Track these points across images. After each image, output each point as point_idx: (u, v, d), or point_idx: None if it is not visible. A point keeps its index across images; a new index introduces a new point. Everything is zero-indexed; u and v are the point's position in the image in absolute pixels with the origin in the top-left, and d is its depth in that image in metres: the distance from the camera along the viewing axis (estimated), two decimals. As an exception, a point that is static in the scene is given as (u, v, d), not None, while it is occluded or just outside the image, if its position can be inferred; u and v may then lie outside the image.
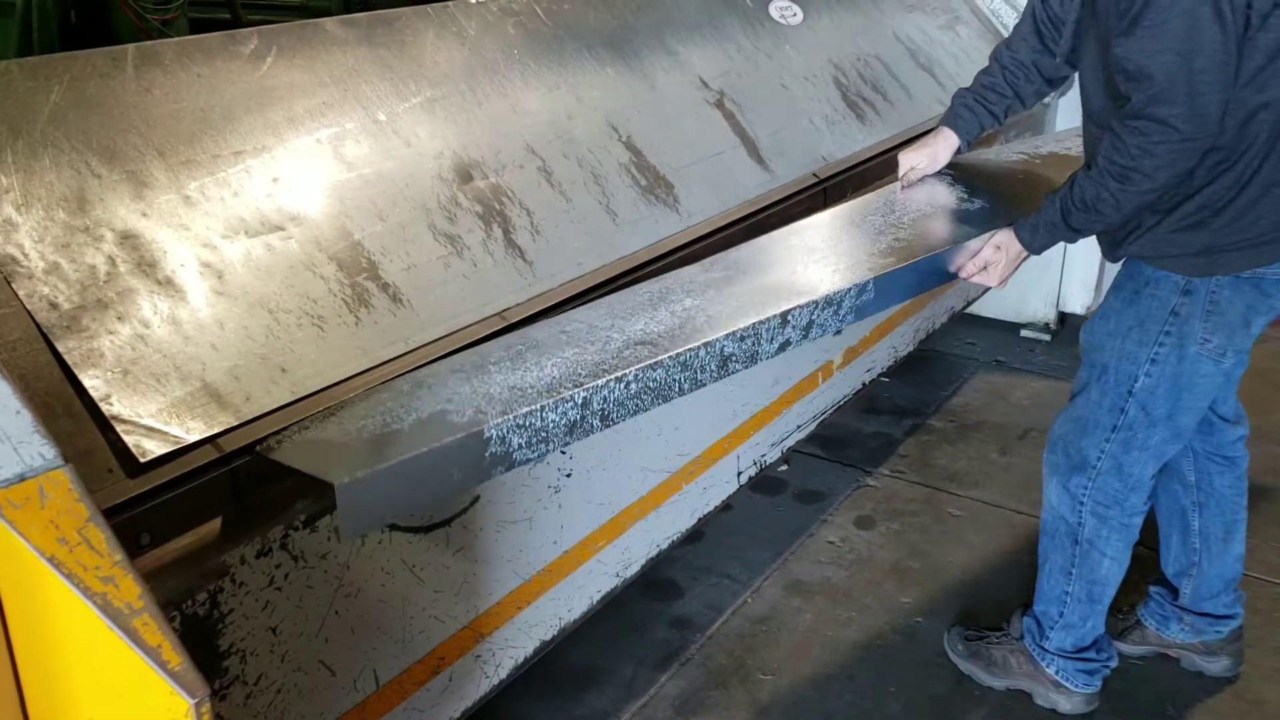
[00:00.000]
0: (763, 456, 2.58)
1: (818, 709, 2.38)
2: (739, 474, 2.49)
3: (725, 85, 2.59)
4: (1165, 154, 1.81)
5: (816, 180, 2.61)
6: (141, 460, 1.33)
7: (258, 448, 1.41)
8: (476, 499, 1.79)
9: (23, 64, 1.55)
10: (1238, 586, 2.44)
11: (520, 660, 1.95)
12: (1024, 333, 4.26)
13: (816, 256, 1.99)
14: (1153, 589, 2.51)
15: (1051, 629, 2.36)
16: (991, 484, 3.25)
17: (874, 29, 3.20)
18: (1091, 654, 2.34)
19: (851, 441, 3.50)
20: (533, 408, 1.45)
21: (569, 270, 1.97)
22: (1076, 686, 2.34)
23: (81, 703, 0.97)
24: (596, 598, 2.11)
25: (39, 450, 0.97)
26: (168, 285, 1.49)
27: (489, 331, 1.78)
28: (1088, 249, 3.82)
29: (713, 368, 1.65)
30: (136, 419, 1.36)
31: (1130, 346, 2.09)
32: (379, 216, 1.78)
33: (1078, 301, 4.14)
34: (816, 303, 1.76)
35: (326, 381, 1.56)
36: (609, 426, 1.56)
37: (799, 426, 2.71)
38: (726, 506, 2.50)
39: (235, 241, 1.59)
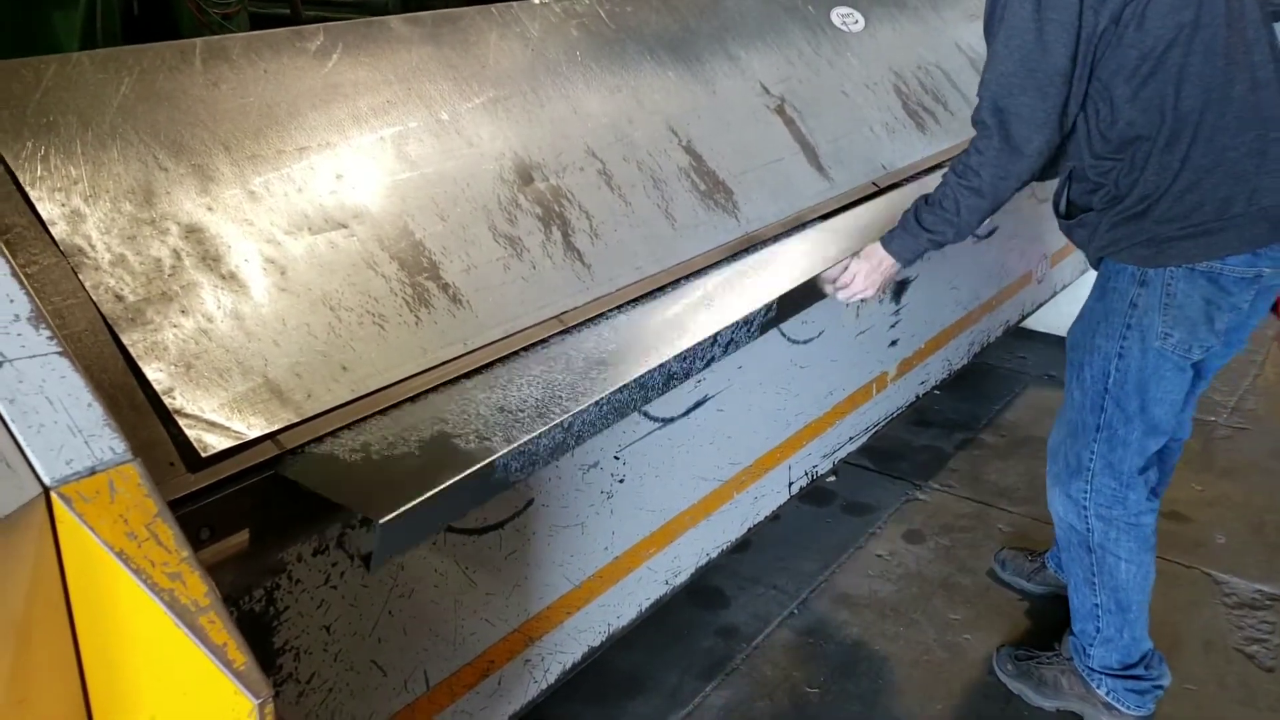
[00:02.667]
0: (814, 467, 2.55)
1: (865, 725, 2.35)
2: (790, 484, 2.46)
3: (786, 91, 2.56)
4: (987, 150, 1.97)
5: (876, 189, 2.58)
6: (203, 455, 1.33)
7: (276, 469, 1.39)
8: (530, 502, 1.78)
9: (93, 56, 1.56)
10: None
11: (568, 665, 1.93)
12: (1078, 348, 4.19)
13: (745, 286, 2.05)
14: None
15: (1092, 645, 2.33)
16: (1042, 501, 3.16)
17: (935, 37, 3.16)
18: (1140, 671, 2.31)
19: (901, 454, 3.45)
20: (532, 435, 1.47)
21: (627, 274, 1.96)
22: (1128, 708, 2.30)
23: (144, 698, 0.96)
24: (646, 605, 2.09)
25: (109, 444, 0.96)
26: (231, 280, 1.49)
27: (547, 334, 1.77)
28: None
29: (659, 385, 1.72)
30: (199, 413, 1.35)
31: (1100, 342, 2.12)
32: (440, 216, 1.77)
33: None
34: (736, 323, 1.85)
35: (386, 380, 1.55)
36: (579, 444, 1.60)
37: (851, 438, 2.67)
38: (775, 517, 2.47)
39: (298, 238, 1.59)
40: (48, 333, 0.98)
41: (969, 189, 2.02)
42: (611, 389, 1.61)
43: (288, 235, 1.59)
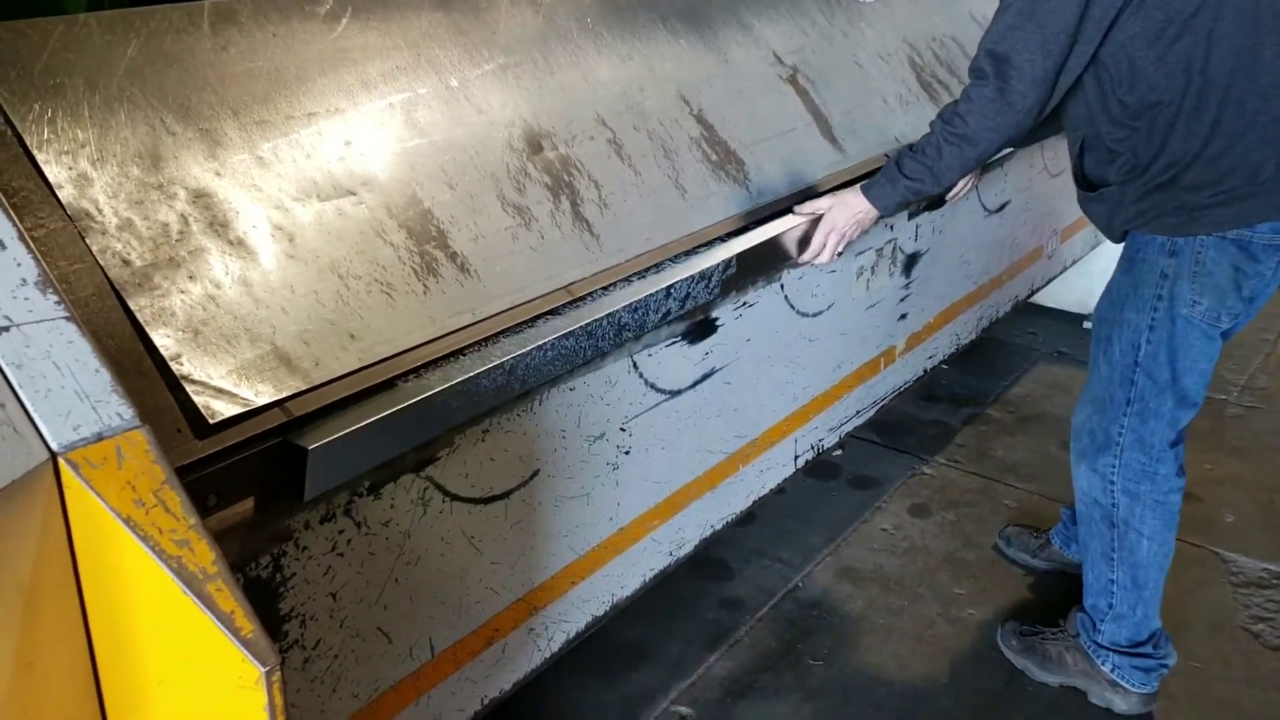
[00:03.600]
0: (820, 441, 2.54)
1: (867, 697, 2.36)
2: (796, 457, 2.46)
3: (799, 61, 2.54)
4: (978, 99, 1.98)
5: (889, 161, 2.55)
6: (210, 422, 1.32)
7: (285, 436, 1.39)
8: (536, 473, 1.77)
9: (100, 18, 1.54)
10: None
11: (572, 634, 1.94)
12: (1087, 324, 4.16)
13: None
14: (1063, 510, 2.72)
15: (1102, 621, 2.33)
16: (1050, 478, 3.19)
17: (950, 8, 3.13)
18: (1148, 649, 2.31)
19: (908, 428, 3.45)
20: (469, 374, 1.52)
21: (636, 245, 1.95)
22: (1133, 685, 2.30)
23: (151, 664, 0.97)
24: (649, 575, 2.09)
25: (117, 410, 0.96)
26: (239, 246, 1.48)
27: (555, 305, 1.76)
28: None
29: (610, 335, 1.76)
30: (206, 380, 1.35)
31: (1129, 315, 2.11)
32: (448, 184, 1.76)
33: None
34: (692, 277, 1.87)
35: (394, 349, 1.55)
36: (525, 390, 1.65)
37: (858, 412, 2.67)
38: (780, 490, 2.47)
39: (307, 204, 1.58)
40: (54, 297, 0.97)
41: (954, 136, 2.02)
42: (557, 334, 1.65)
43: (296, 202, 1.58)
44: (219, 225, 1.48)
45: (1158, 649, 2.32)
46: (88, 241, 1.37)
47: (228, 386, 1.37)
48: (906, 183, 2.10)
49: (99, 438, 0.94)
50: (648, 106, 2.15)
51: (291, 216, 1.56)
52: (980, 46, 2.02)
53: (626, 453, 1.95)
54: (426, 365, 1.56)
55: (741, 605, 2.64)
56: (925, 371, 2.95)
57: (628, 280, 1.87)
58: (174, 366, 1.34)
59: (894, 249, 2.60)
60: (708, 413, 2.12)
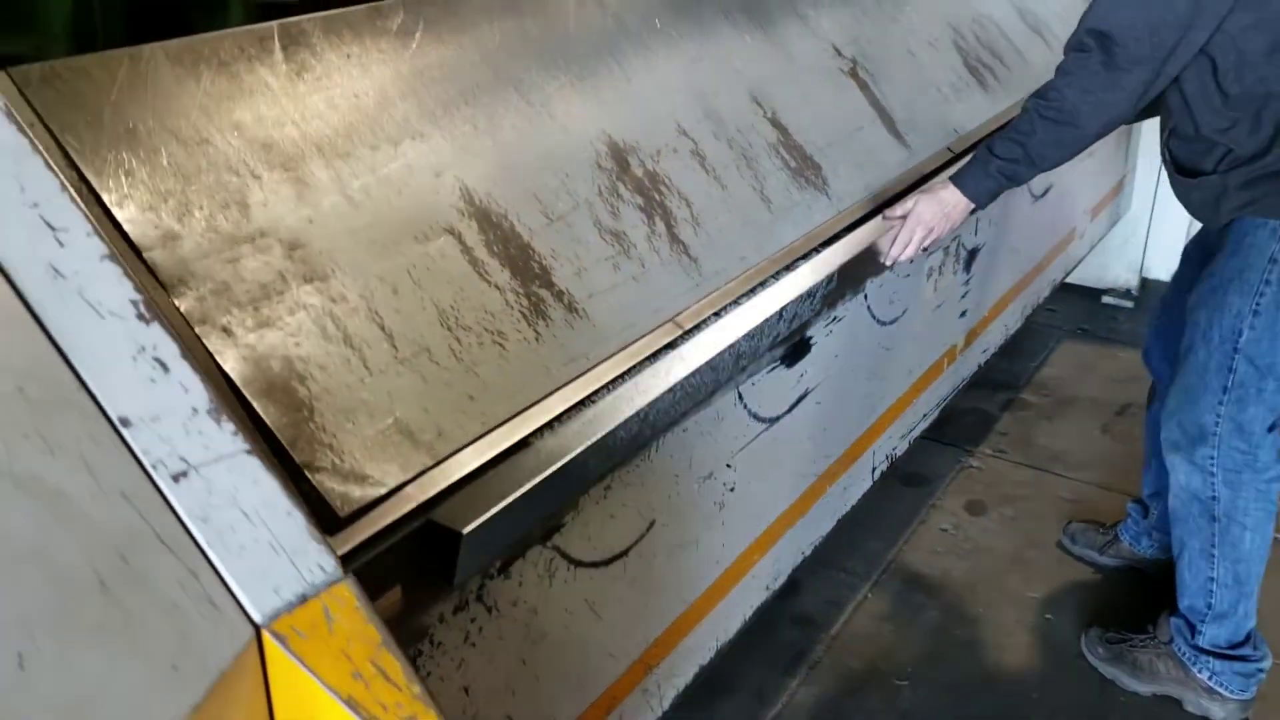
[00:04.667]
0: (894, 449, 2.43)
1: (960, 718, 2.26)
2: (874, 470, 2.35)
3: (857, 53, 2.39)
4: (1079, 72, 1.88)
5: (952, 154, 2.44)
6: (342, 514, 1.17)
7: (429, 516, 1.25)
8: (652, 524, 1.64)
9: (167, 49, 1.35)
10: None
11: (682, 688, 1.81)
12: (1105, 299, 4.11)
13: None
14: (1130, 505, 2.65)
15: (1202, 623, 2.24)
16: (1099, 465, 3.12)
17: (986, -15, 3.00)
18: (1247, 650, 2.23)
19: (947, 418, 3.34)
20: (606, 430, 1.40)
21: (733, 266, 1.80)
22: (1231, 692, 2.23)
23: None
24: (750, 613, 1.97)
25: (318, 560, 0.80)
26: (342, 303, 1.32)
27: (666, 341, 1.62)
28: (1177, 212, 3.67)
29: (729, 367, 1.65)
30: (331, 465, 1.19)
31: (1232, 299, 2.01)
32: (544, 214, 1.60)
33: (1164, 267, 3.99)
34: (800, 297, 1.78)
35: (515, 408, 1.40)
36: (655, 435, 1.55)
37: (925, 415, 2.56)
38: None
39: (405, 248, 1.42)
40: (230, 426, 0.81)
41: (1052, 111, 1.91)
42: (684, 374, 1.52)
43: (394, 245, 1.41)
44: (318, 280, 1.32)
45: (1256, 650, 2.24)
46: (183, 312, 1.20)
47: (354, 469, 1.21)
48: (999, 164, 1.96)
49: (303, 599, 0.79)
50: (723, 111, 2.00)
51: (392, 263, 1.39)
52: (1080, 25, 1.92)
53: (732, 489, 1.82)
54: (552, 422, 1.41)
55: (813, 622, 2.53)
56: (980, 366, 2.85)
57: (735, 303, 1.73)
58: (294, 454, 1.18)
59: (958, 246, 2.48)
60: (801, 436, 2.00)
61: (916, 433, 2.53)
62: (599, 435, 1.39)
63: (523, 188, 1.61)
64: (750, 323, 1.66)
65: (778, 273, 1.85)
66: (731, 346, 1.62)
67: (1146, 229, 3.91)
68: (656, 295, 1.67)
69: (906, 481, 3.05)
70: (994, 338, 2.88)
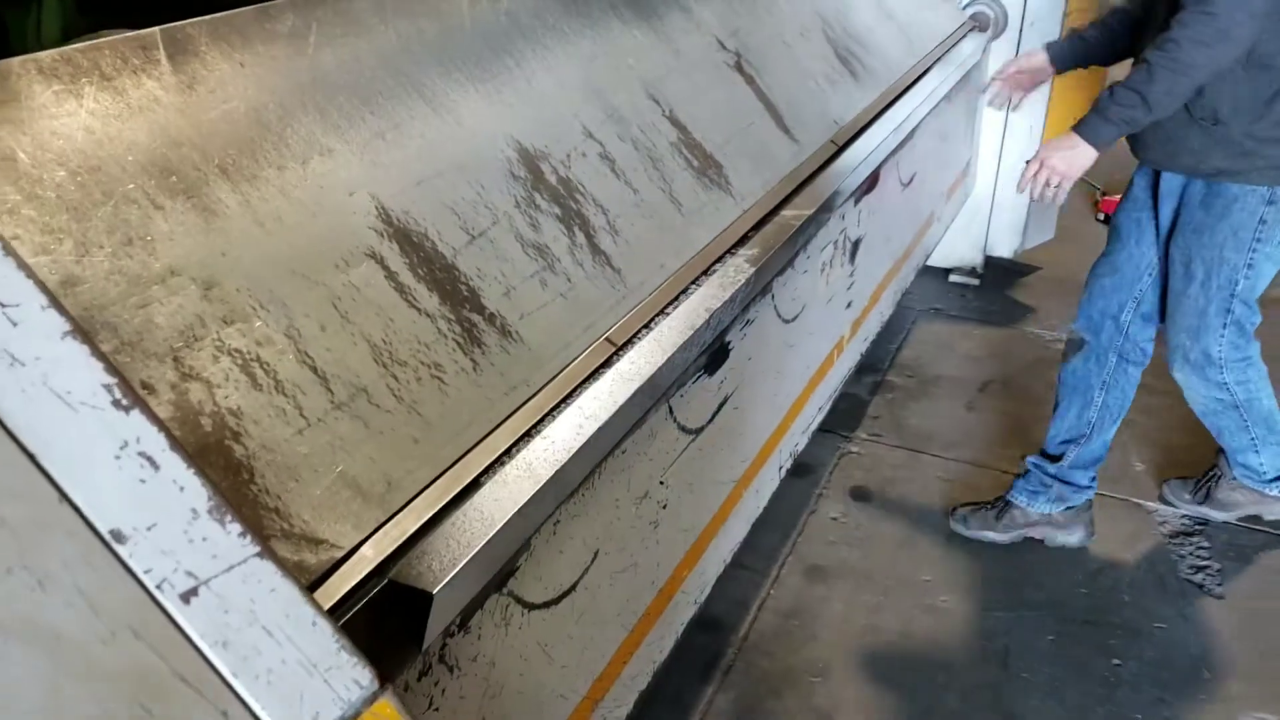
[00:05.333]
0: (796, 445, 2.42)
1: (878, 710, 2.28)
2: (780, 468, 2.33)
3: (739, 45, 2.35)
4: (1193, 24, 2.04)
5: (836, 147, 2.43)
6: (299, 586, 1.04)
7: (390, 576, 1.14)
8: (595, 554, 1.55)
9: (39, 61, 1.17)
10: (1100, 468, 2.74)
11: (624, 718, 1.74)
12: (953, 278, 4.24)
13: None
14: (1030, 460, 2.75)
15: (1261, 466, 2.71)
16: (970, 443, 3.21)
17: (845, -27, 3.01)
18: None
19: (823, 406, 3.38)
20: (559, 466, 1.30)
21: (654, 275, 1.73)
22: None
23: None
24: (680, 631, 1.91)
25: (353, 675, 0.69)
26: (268, 345, 1.18)
27: (601, 360, 1.53)
28: (1013, 194, 3.82)
29: (668, 383, 1.61)
30: (281, 532, 1.06)
31: (1229, 254, 2.34)
32: (465, 230, 1.49)
33: (1005, 245, 4.14)
34: (726, 304, 1.73)
35: (462, 447, 1.29)
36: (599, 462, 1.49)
37: (820, 408, 2.56)
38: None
39: (327, 277, 1.28)
40: (238, 527, 0.69)
41: (1171, 62, 2.07)
42: (626, 396, 1.44)
43: (315, 276, 1.28)
44: (240, 322, 1.17)
45: None
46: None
47: (305, 533, 1.08)
48: (1119, 111, 2.17)
49: (344, 720, 0.67)
50: (624, 111, 1.92)
51: (315, 295, 1.26)
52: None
53: (664, 506, 1.75)
54: (502, 457, 1.31)
55: (721, 625, 2.50)
56: (861, 355, 2.87)
57: (663, 314, 1.66)
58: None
59: (844, 237, 2.48)
60: (721, 444, 1.95)
61: (814, 426, 2.53)
62: (552, 471, 1.30)
63: (439, 202, 1.49)
64: (682, 335, 1.60)
65: (697, 279, 1.79)
66: (669, 361, 1.55)
67: (989, 208, 4.04)
68: (586, 311, 1.58)
69: (793, 472, 3.04)
70: (873, 326, 2.91)
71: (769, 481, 2.26)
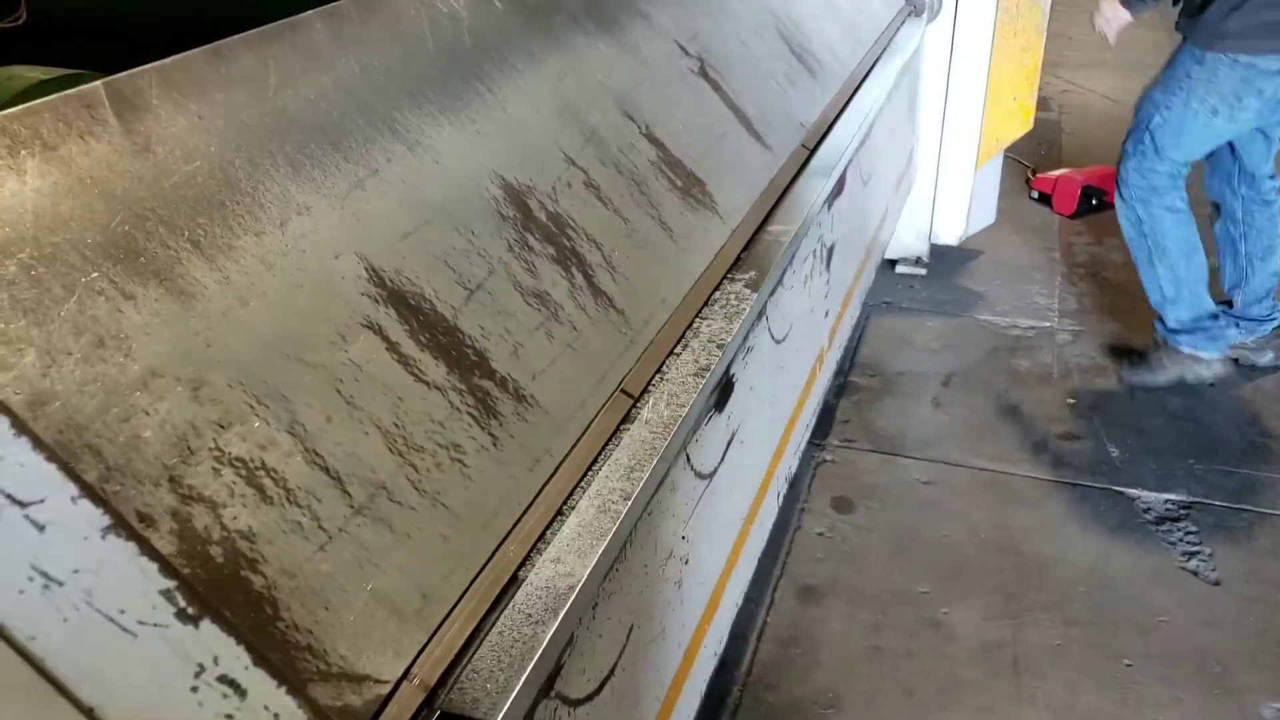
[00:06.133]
0: (790, 469, 2.30)
1: (898, 740, 2.18)
2: (778, 495, 2.21)
3: (700, 50, 2.22)
4: None
5: (807, 151, 2.32)
6: (346, 736, 0.88)
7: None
8: (631, 629, 1.41)
9: (-30, 131, 0.99)
10: (1275, 295, 3.30)
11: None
12: (900, 269, 4.18)
13: None
14: (1216, 308, 3.27)
15: (1164, 310, 3.22)
16: (942, 441, 3.14)
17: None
18: (1206, 323, 3.17)
19: (790, 414, 3.27)
20: (600, 550, 1.17)
21: (658, 312, 1.60)
22: (1207, 353, 3.19)
23: None
24: (704, 687, 1.78)
25: None
26: (273, 448, 1.01)
27: (620, 418, 1.39)
28: (957, 180, 3.77)
29: (690, 433, 1.56)
30: (318, 673, 0.90)
31: (1156, 93, 3.01)
32: (462, 284, 1.33)
33: (950, 233, 4.09)
34: (735, 338, 1.65)
35: (494, 538, 1.14)
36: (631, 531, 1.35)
37: (807, 425, 2.45)
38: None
39: (325, 357, 1.12)
40: None
41: None
42: (655, 458, 1.32)
43: (311, 357, 1.11)
44: (238, 424, 1.00)
45: (1217, 320, 3.19)
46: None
47: (344, 669, 0.93)
48: None
49: None
50: (602, 131, 1.77)
51: (314, 380, 1.10)
52: None
53: (686, 562, 1.62)
54: (537, 545, 1.16)
55: (724, 662, 2.37)
56: (838, 364, 2.77)
57: (673, 354, 1.53)
58: (268, 669, 0.88)
59: (820, 245, 2.37)
60: (731, 483, 1.82)
61: (803, 445, 2.42)
62: (595, 558, 1.16)
63: (430, 255, 1.33)
64: (699, 380, 1.47)
65: (700, 310, 1.66)
66: (688, 412, 1.42)
67: (933, 195, 3.98)
68: (596, 361, 1.44)
69: (769, 487, 2.94)
70: (846, 331, 2.82)
71: (770, 512, 2.15)
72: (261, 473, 0.99)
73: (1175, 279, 3.12)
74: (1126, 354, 3.43)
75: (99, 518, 0.50)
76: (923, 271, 4.13)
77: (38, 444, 0.49)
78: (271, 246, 1.16)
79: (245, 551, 0.92)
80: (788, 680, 2.32)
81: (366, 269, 1.23)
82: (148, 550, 0.51)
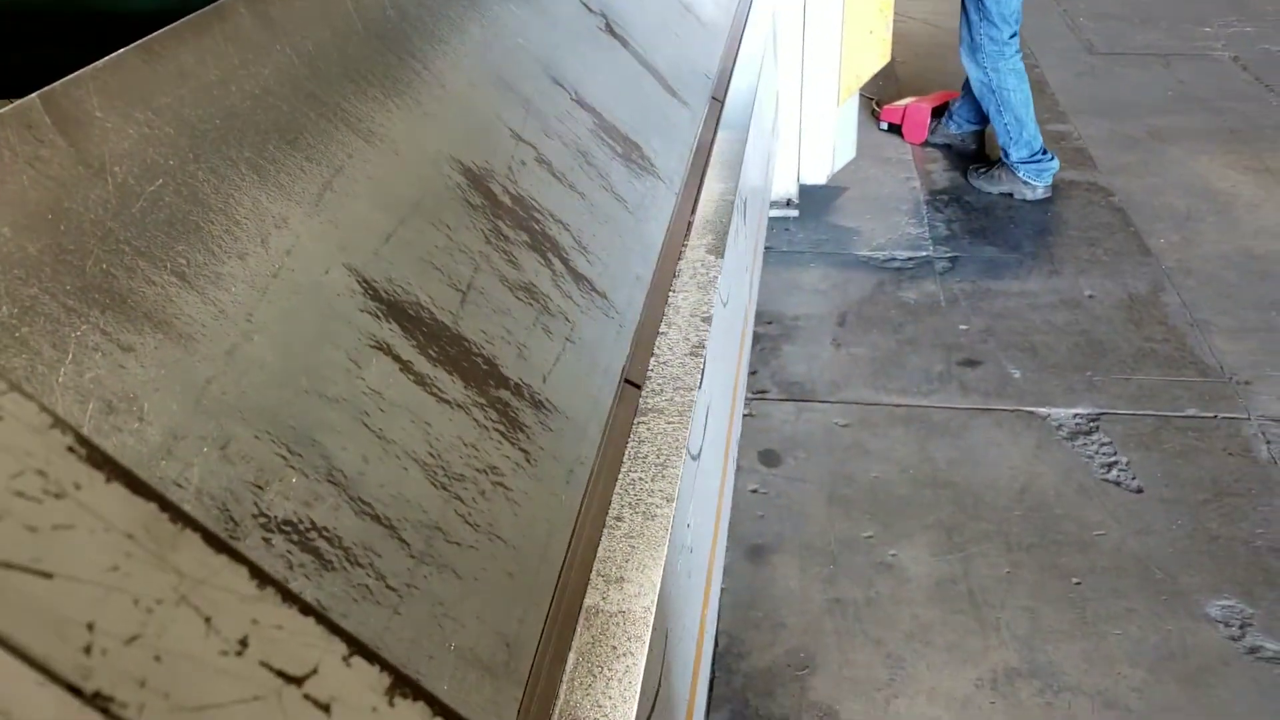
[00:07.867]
0: (738, 433, 2.25)
1: (880, 694, 2.17)
2: (734, 462, 2.15)
3: (602, 5, 2.11)
4: None
5: (719, 103, 2.24)
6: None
7: None
8: (666, 636, 1.33)
9: (-102, 170, 0.81)
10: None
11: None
12: (772, 213, 4.16)
13: None
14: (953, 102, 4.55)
15: (1009, 149, 4.10)
16: (851, 382, 3.15)
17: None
18: (1039, 158, 4.08)
19: (699, 372, 3.22)
20: (663, 560, 1.13)
21: (636, 290, 1.50)
22: (1038, 181, 4.10)
23: None
24: (709, 676, 1.71)
25: None
26: (319, 504, 0.88)
27: (633, 411, 1.30)
28: (820, 119, 3.79)
29: (703, 418, 1.53)
30: (431, 759, 0.78)
31: None
32: (452, 285, 1.20)
33: (818, 172, 4.10)
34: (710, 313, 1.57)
35: (555, 566, 1.04)
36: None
37: (744, 384, 2.39)
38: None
39: (343, 388, 0.98)
40: None
41: None
42: (680, 449, 1.29)
43: (332, 390, 0.97)
44: (276, 481, 0.87)
45: (1045, 156, 4.09)
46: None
47: (454, 750, 0.81)
48: None
49: None
50: (537, 102, 1.65)
51: (341, 417, 0.96)
52: None
53: (691, 551, 1.54)
54: (595, 568, 1.06)
55: (688, 636, 2.32)
56: (755, 315, 2.73)
57: (661, 334, 1.44)
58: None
59: (740, 200, 2.30)
60: (711, 460, 1.75)
61: (742, 407, 2.37)
62: (659, 571, 1.07)
63: (415, 258, 1.19)
64: (696, 358, 1.39)
65: (672, 284, 1.58)
66: (700, 394, 1.33)
67: (798, 135, 3.97)
68: (593, 352, 1.33)
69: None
70: (758, 283, 2.77)
71: (730, 480, 2.09)
72: (314, 534, 0.86)
73: (1018, 123, 4.00)
74: (976, 160, 4.38)
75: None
76: (795, 213, 4.13)
77: None
78: (259, 269, 1.01)
79: (323, 631, 0.79)
80: (757, 646, 2.28)
81: (359, 281, 1.10)
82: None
